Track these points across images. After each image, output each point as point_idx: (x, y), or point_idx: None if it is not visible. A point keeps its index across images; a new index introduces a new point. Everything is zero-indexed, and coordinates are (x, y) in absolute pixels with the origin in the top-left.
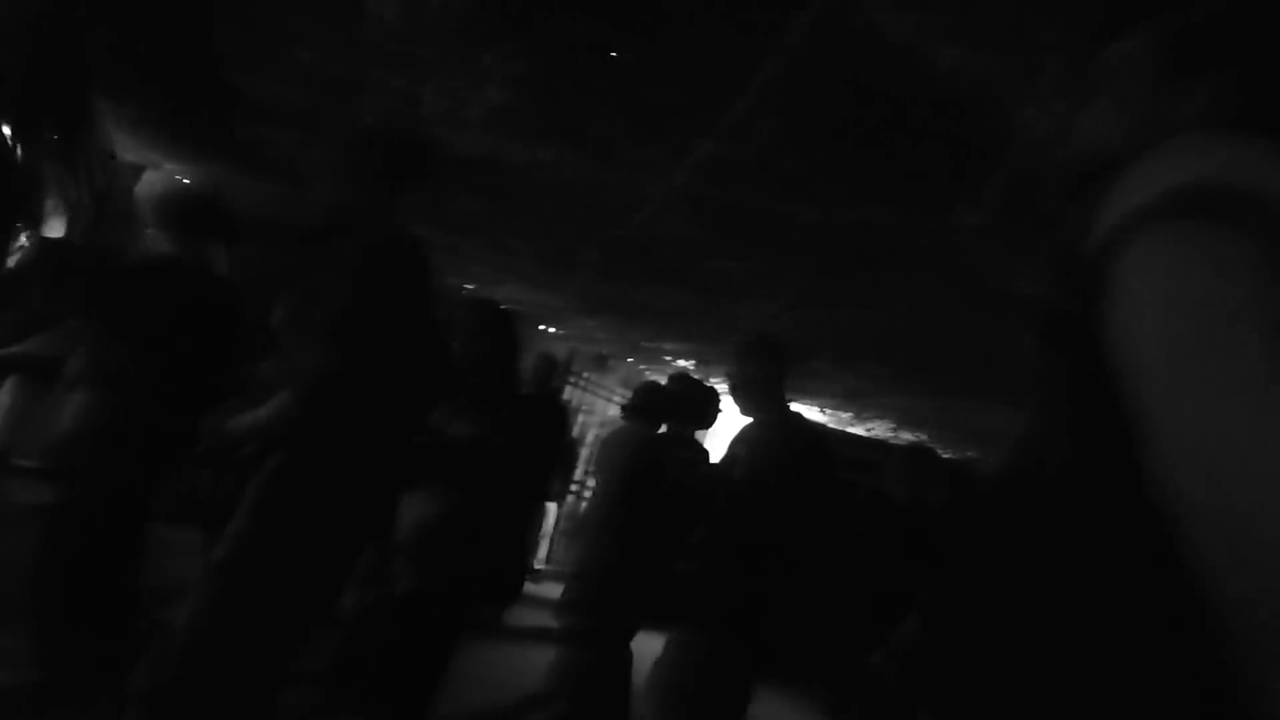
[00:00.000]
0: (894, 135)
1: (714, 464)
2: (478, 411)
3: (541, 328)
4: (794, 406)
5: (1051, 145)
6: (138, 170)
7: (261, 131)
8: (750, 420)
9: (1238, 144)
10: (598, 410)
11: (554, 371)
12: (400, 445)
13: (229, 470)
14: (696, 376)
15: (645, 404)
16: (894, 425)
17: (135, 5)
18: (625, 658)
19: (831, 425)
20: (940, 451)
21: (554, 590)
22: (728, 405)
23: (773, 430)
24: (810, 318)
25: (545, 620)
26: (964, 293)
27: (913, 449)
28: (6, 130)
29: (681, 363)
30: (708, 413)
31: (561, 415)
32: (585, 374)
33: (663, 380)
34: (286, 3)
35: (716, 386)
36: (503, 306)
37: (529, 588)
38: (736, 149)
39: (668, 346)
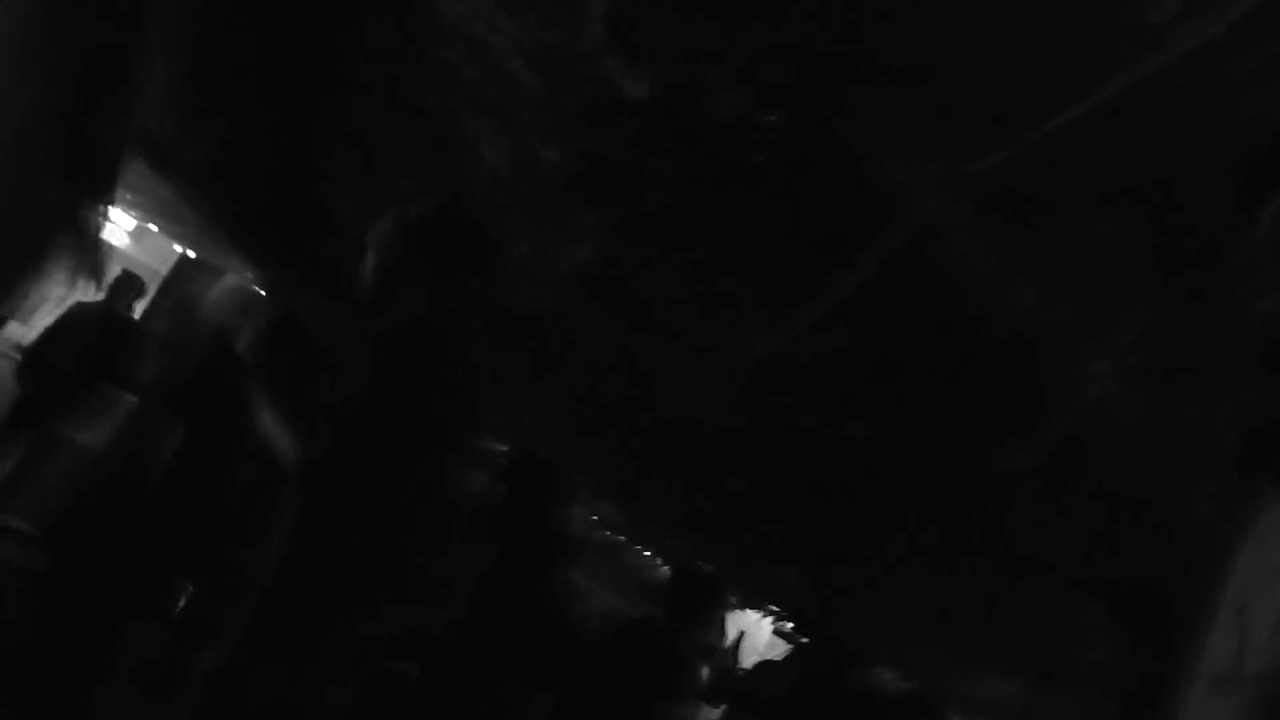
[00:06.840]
0: (958, 367)
1: None
2: None
3: None
4: None
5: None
6: (202, 267)
7: (341, 252)
8: None
9: None
10: None
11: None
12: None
13: None
14: None
15: None
16: None
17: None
18: None
19: None
20: None
21: None
22: None
23: None
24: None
25: None
26: (1002, 565)
27: None
28: None
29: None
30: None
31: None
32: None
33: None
34: (400, 135)
35: None
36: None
37: None
38: (798, 352)
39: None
